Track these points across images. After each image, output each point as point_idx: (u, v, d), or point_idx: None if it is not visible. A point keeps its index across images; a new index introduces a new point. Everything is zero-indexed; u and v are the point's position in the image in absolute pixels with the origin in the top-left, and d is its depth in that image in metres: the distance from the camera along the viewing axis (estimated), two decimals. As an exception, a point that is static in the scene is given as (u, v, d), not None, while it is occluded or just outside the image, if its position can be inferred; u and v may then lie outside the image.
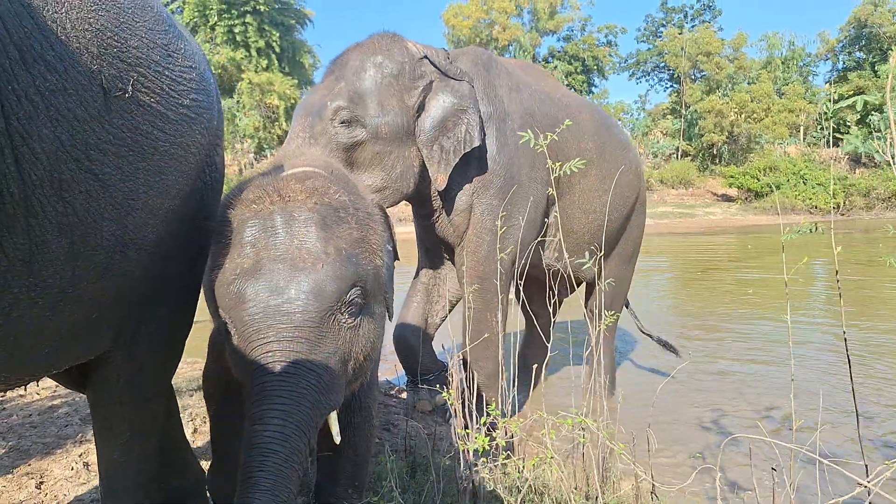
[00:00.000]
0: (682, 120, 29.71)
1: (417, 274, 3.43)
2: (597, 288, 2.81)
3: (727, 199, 26.84)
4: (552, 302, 2.95)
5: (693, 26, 32.69)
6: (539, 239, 3.07)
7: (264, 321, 1.27)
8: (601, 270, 2.85)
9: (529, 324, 3.71)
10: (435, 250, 3.26)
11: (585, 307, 3.80)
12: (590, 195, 3.33)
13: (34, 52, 0.93)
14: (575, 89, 28.67)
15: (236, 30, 24.10)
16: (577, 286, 3.74)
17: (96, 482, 2.34)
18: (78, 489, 2.31)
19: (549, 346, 2.35)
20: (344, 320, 1.34)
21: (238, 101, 24.08)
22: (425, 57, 2.82)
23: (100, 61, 1.07)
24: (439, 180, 2.82)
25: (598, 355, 2.25)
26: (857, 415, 1.50)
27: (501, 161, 2.95)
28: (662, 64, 33.08)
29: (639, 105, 35.89)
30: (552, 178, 2.51)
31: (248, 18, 24.08)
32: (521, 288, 2.67)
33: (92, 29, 1.06)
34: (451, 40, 28.45)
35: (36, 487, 2.35)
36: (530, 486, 1.96)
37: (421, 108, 2.80)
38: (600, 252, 2.69)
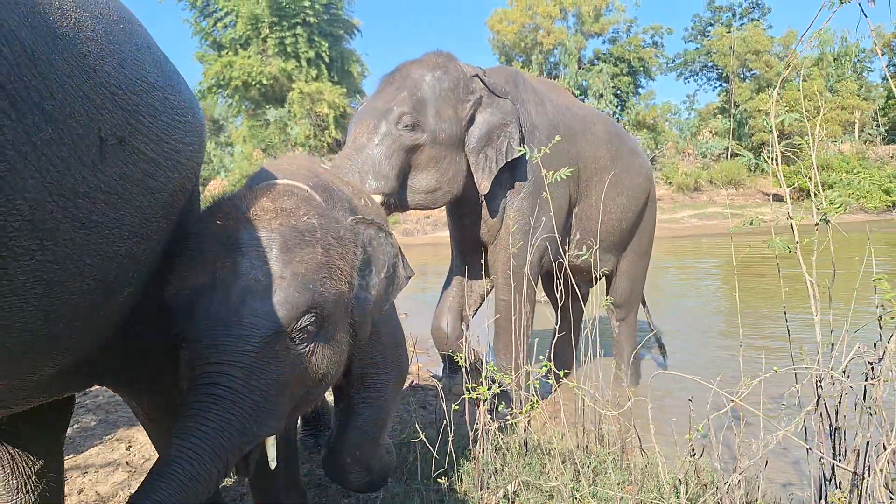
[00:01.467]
0: (732, 119, 29.09)
1: (452, 270, 3.78)
2: (593, 275, 3.16)
3: (778, 198, 26.10)
4: (579, 296, 3.33)
5: (741, 24, 31.96)
6: (550, 237, 3.35)
7: (209, 339, 1.27)
8: (597, 262, 3.24)
9: (565, 319, 4.00)
10: (468, 249, 3.58)
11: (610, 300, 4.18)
12: (604, 197, 3.64)
13: (31, 102, 0.89)
14: (621, 91, 28.46)
15: (287, 41, 24.90)
16: (598, 281, 4.09)
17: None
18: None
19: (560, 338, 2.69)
20: (293, 346, 1.33)
21: (289, 111, 24.91)
22: (476, 75, 3.17)
23: (101, 110, 1.03)
24: (483, 185, 3.14)
25: (594, 333, 2.67)
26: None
27: (530, 169, 3.29)
28: (711, 63, 32.46)
29: (687, 105, 35.32)
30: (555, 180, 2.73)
31: (299, 30, 24.88)
32: (549, 285, 2.97)
33: (97, 77, 1.03)
34: (497, 45, 28.69)
35: (126, 450, 2.83)
36: (528, 436, 2.36)
37: (471, 121, 3.13)
38: (596, 245, 3.06)
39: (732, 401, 1.57)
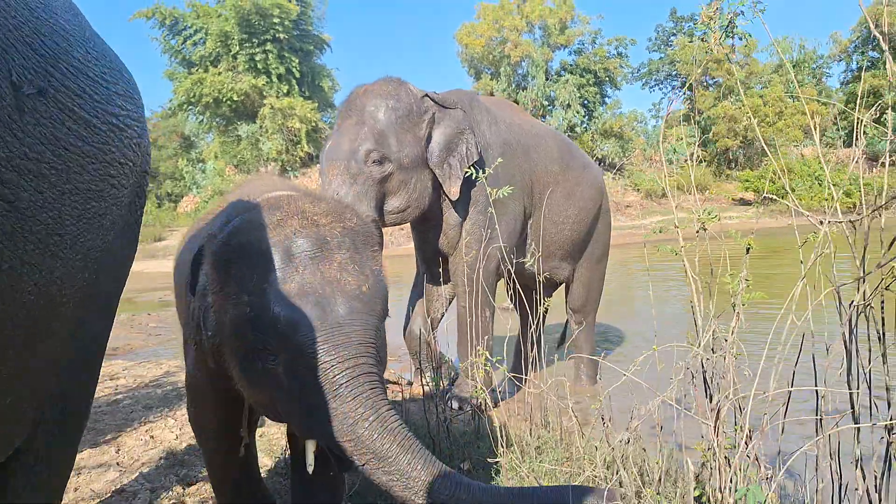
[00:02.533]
0: (696, 126, 29.93)
1: (418, 276, 4.03)
2: (537, 279, 3.30)
3: (744, 203, 26.93)
4: (536, 302, 3.46)
5: (703, 34, 32.94)
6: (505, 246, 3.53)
7: (330, 341, 1.33)
8: (540, 267, 3.35)
9: (522, 323, 4.29)
10: (431, 258, 3.83)
11: (567, 305, 4.47)
12: (557, 208, 3.92)
13: None
14: (588, 101, 29.11)
15: (257, 58, 24.92)
16: (557, 287, 4.41)
17: (163, 447, 3.02)
18: (148, 453, 3.00)
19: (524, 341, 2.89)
20: (380, 332, 1.48)
21: (261, 126, 24.96)
22: (426, 95, 3.42)
23: (6, 48, 0.86)
24: (453, 192, 3.41)
25: (539, 331, 2.87)
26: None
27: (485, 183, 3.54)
28: (675, 72, 33.41)
29: (653, 113, 36.24)
30: (487, 195, 3.04)
31: (269, 46, 24.92)
32: (512, 292, 3.19)
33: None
34: (465, 59, 29.14)
35: (115, 452, 3.00)
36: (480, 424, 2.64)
37: (429, 138, 3.37)
38: (538, 253, 3.27)
39: (624, 374, 1.82)
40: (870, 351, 1.60)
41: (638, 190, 26.59)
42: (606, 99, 30.39)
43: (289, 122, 24.53)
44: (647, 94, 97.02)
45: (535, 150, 3.89)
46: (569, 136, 27.44)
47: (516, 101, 28.26)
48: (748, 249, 1.71)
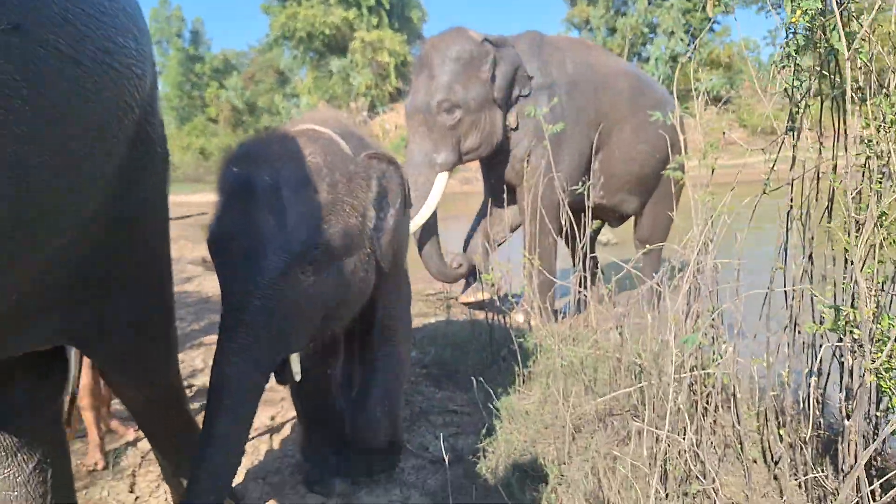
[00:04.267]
0: (818, 55, 27.06)
1: (485, 201, 4.33)
2: (587, 208, 3.34)
3: (864, 141, 24.38)
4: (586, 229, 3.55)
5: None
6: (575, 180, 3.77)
7: (233, 274, 1.48)
8: (590, 195, 3.42)
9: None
10: (497, 187, 4.10)
11: (635, 236, 4.75)
12: (626, 145, 4.15)
13: None
14: (692, 27, 26.99)
15: (348, -13, 25.08)
16: (625, 219, 4.69)
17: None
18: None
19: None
20: (305, 277, 1.51)
21: (351, 61, 25.22)
22: (485, 39, 3.68)
23: None
24: (511, 121, 3.82)
25: (586, 259, 2.99)
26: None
27: (551, 120, 3.66)
28: (796, -7, 30.13)
29: (768, 41, 33.06)
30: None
31: (360, -25, 24.97)
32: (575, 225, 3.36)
33: None
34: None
35: None
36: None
37: (493, 78, 3.68)
38: (588, 182, 3.38)
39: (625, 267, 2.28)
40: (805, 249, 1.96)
41: (745, 126, 24.67)
42: (716, 24, 28.01)
43: (378, 56, 24.63)
44: (762, 20, 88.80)
45: (603, 89, 4.08)
46: (670, 66, 25.69)
47: (614, 29, 26.68)
48: (713, 170, 2.09)
